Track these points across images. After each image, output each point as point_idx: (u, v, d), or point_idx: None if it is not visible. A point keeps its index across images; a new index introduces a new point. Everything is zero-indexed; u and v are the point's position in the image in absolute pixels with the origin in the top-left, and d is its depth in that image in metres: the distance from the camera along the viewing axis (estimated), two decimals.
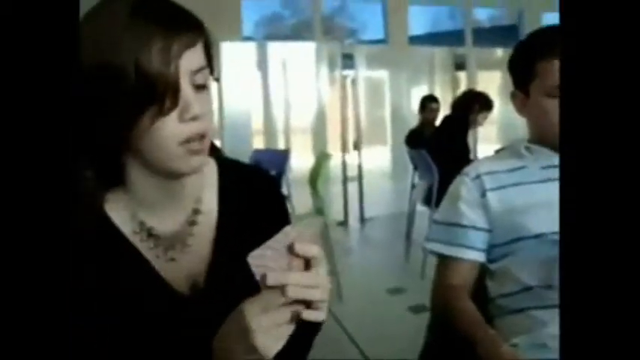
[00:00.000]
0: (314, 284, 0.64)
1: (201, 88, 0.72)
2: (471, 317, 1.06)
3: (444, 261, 1.19)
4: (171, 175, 0.77)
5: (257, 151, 4.97)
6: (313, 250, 0.65)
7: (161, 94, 0.67)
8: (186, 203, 0.83)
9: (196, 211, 0.84)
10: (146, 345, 0.78)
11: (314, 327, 0.76)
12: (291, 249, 0.64)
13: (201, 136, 0.73)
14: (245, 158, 0.92)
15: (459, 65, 6.59)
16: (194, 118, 0.71)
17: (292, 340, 0.67)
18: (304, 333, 0.70)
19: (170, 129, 0.70)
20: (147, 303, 0.79)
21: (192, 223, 0.83)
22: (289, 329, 0.65)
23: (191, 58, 0.70)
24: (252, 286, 0.75)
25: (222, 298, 0.79)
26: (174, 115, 0.70)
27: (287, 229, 0.65)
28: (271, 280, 0.63)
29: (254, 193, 0.88)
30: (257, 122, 5.71)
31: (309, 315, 0.64)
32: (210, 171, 0.87)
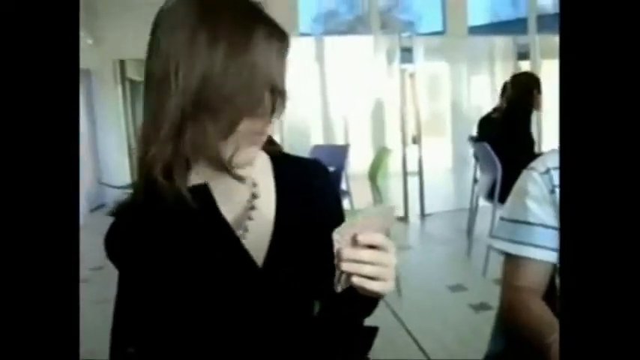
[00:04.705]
0: (368, 261, 0.72)
1: None
2: (542, 318, 1.01)
3: (510, 260, 1.14)
4: (226, 167, 0.81)
5: (316, 147, 4.99)
6: (378, 239, 0.73)
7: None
8: (242, 188, 0.87)
9: (254, 196, 0.88)
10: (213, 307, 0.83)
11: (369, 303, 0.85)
12: (354, 240, 0.72)
13: (260, 134, 0.80)
14: (304, 154, 0.98)
15: (522, 55, 6.36)
16: (265, 115, 0.78)
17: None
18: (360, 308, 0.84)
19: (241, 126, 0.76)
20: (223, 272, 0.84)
21: (251, 207, 0.87)
22: None
23: None
24: (306, 270, 0.83)
25: (278, 282, 0.85)
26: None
27: (357, 218, 0.74)
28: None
29: (310, 184, 0.93)
30: (316, 118, 5.72)
31: (359, 282, 0.72)
32: (263, 160, 0.92)
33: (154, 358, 0.84)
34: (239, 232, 0.86)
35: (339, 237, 0.72)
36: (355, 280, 0.72)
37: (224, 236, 0.85)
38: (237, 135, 0.76)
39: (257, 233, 0.86)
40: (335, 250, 0.72)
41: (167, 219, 0.83)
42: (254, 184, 0.88)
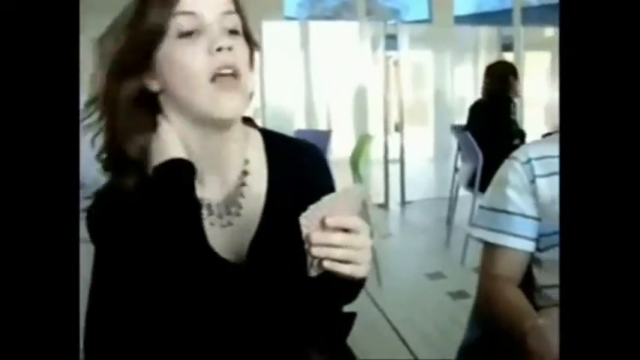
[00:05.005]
0: (339, 244, 0.71)
1: (233, 33, 0.80)
2: (518, 307, 1.02)
3: (489, 249, 1.15)
4: (207, 122, 0.80)
5: (299, 132, 4.97)
6: (349, 222, 0.72)
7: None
8: (233, 165, 0.86)
9: (245, 173, 0.87)
10: (189, 308, 0.81)
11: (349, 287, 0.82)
12: (323, 223, 0.70)
13: (233, 75, 0.77)
14: None
15: (506, 46, 6.38)
16: (220, 49, 0.76)
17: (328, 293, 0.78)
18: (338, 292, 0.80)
19: (199, 61, 0.76)
20: (194, 270, 0.81)
21: (242, 184, 0.86)
22: None
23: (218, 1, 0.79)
24: (296, 252, 0.78)
25: (267, 261, 0.84)
26: (202, 49, 0.77)
27: (324, 200, 0.71)
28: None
29: (302, 163, 0.91)
30: (298, 102, 5.69)
31: (331, 266, 0.71)
32: (255, 138, 0.91)
33: (128, 348, 0.82)
34: (232, 210, 0.85)
35: (307, 221, 0.70)
36: (327, 264, 0.71)
37: (195, 220, 0.81)
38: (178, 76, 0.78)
39: (249, 210, 0.86)
40: (304, 235, 0.71)
41: (140, 198, 0.81)
42: (246, 161, 0.87)
